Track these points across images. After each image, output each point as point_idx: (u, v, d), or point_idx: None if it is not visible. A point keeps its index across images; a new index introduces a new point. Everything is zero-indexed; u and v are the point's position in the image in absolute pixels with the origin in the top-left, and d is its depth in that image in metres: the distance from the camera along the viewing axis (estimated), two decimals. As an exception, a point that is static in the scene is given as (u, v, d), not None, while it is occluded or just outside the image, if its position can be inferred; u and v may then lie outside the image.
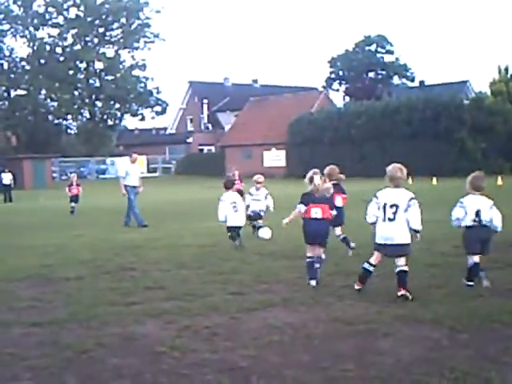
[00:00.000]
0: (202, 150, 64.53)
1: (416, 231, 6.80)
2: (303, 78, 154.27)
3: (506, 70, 45.59)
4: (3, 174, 33.24)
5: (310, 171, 7.94)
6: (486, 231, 7.19)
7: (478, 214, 7.14)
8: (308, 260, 7.71)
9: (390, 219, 6.74)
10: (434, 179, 33.93)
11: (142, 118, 71.23)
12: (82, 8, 65.22)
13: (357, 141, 44.73)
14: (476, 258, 7.16)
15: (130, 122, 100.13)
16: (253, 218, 12.50)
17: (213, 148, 63.28)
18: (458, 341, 5.22)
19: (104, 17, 66.22)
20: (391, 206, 6.75)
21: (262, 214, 12.65)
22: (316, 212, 7.71)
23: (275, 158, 51.85)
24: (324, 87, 75.77)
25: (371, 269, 6.99)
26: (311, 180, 7.78)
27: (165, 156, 65.18)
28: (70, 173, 21.04)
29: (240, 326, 5.83)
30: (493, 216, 7.15)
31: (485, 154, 40.57)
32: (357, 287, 7.06)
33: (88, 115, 68.44)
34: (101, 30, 67.38)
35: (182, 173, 57.16)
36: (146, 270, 8.96)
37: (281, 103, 54.67)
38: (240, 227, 11.10)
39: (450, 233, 10.01)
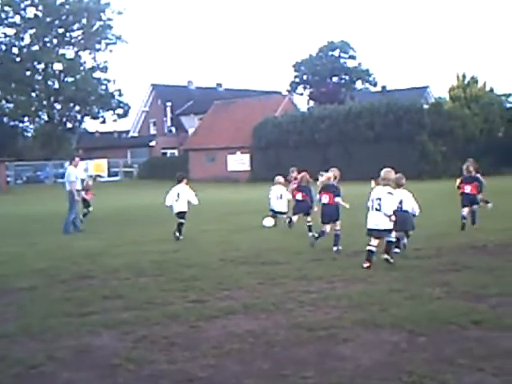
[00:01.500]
0: (165, 154, 63.99)
1: (386, 215, 8.84)
2: (267, 82, 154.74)
3: (464, 76, 46.92)
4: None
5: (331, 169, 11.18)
6: (405, 215, 9.74)
7: (400, 202, 9.71)
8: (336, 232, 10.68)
9: (376, 209, 8.95)
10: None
11: (103, 121, 70.26)
12: (40, 8, 63.78)
13: (321, 144, 44.99)
14: (396, 234, 9.44)
15: (90, 124, 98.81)
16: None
17: (176, 152, 62.88)
18: (416, 344, 5.24)
19: (64, 17, 64.79)
20: (377, 199, 8.99)
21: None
22: (325, 198, 10.78)
23: (239, 161, 51.75)
24: (288, 91, 76.10)
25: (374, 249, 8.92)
26: (334, 177, 10.98)
27: (126, 159, 64.42)
28: (90, 176, 19.33)
29: (199, 335, 5.73)
30: (411, 205, 9.92)
31: (445, 157, 41.33)
32: (367, 265, 8.76)
33: (46, 117, 66.98)
34: (60, 30, 65.94)
35: (145, 177, 56.58)
36: (104, 278, 8.75)
37: (245, 107, 54.60)
38: (179, 212, 13.23)
39: (410, 237, 10.13)
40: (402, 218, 9.48)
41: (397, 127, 41.87)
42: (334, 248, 10.54)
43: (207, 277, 8.46)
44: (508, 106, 47.21)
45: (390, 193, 8.99)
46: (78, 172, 16.31)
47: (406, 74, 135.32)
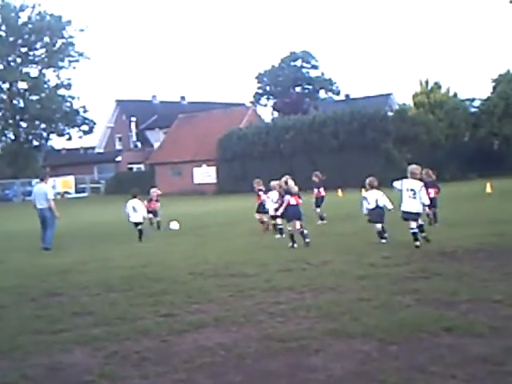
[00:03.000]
0: (131, 169, 63.65)
1: (424, 205, 11.17)
2: (231, 94, 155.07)
3: (427, 82, 47.13)
4: None
5: (284, 177, 12.91)
6: (381, 210, 12.19)
7: (376, 201, 12.17)
8: (289, 232, 12.48)
9: (410, 197, 10.99)
10: (363, 190, 34.49)
11: (69, 138, 70.18)
12: (3, 27, 63.70)
13: (286, 155, 45.08)
14: (379, 226, 12.06)
15: (56, 141, 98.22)
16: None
17: (142, 166, 62.54)
18: (387, 353, 5.23)
19: (27, 36, 65.08)
20: (410, 190, 11.02)
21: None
22: (293, 200, 12.45)
23: (205, 174, 51.63)
24: (252, 103, 76.35)
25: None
26: (286, 182, 12.69)
27: (93, 175, 63.94)
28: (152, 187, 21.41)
29: (171, 349, 5.70)
30: (384, 201, 12.19)
31: (410, 164, 41.74)
32: (418, 244, 10.87)
33: (12, 136, 66.63)
34: (24, 49, 66.11)
35: (112, 192, 56.11)
36: (74, 295, 8.66)
37: (210, 119, 54.57)
38: (137, 223, 16.16)
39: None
40: (380, 213, 12.13)
41: (361, 135, 42.11)
42: (307, 240, 12.18)
43: (177, 291, 8.41)
44: (472, 110, 46.73)
45: (422, 186, 11.15)
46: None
47: (370, 82, 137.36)
